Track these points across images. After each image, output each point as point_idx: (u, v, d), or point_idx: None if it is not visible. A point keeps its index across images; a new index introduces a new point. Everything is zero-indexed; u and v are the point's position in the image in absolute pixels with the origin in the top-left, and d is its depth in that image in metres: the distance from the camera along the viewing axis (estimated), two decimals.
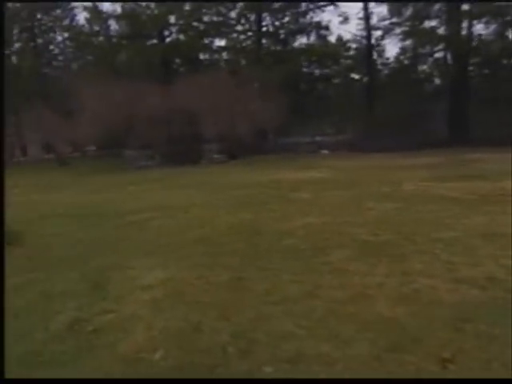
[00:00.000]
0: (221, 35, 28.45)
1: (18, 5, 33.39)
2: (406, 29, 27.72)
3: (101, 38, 32.98)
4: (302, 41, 29.27)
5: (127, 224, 7.45)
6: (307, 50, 27.85)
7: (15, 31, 34.65)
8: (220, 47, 29.36)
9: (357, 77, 32.88)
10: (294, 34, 28.36)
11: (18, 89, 30.59)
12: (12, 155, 34.16)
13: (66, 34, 36.72)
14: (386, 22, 28.68)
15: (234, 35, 28.90)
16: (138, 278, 4.52)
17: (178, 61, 30.71)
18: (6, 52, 35.30)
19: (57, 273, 4.87)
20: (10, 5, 34.09)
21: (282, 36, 28.73)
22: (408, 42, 29.09)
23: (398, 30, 28.56)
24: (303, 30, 28.21)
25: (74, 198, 11.65)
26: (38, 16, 34.83)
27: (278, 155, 21.44)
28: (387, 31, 29.03)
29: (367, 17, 29.08)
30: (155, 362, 2.84)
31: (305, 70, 29.43)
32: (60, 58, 38.10)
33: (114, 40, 31.88)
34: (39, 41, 35.78)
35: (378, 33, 29.93)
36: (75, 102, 21.85)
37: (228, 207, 8.45)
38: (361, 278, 4.17)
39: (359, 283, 4.05)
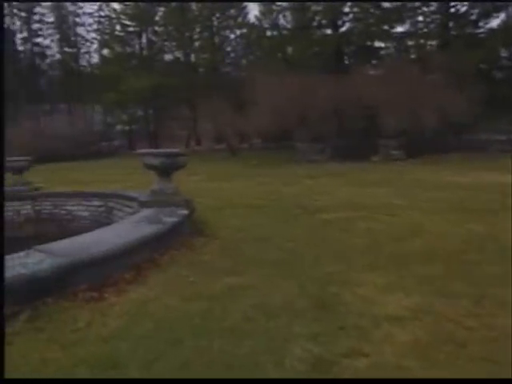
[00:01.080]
0: (402, 20, 25.96)
1: (199, 5, 35.95)
2: None
3: (272, 33, 33.39)
4: (499, 20, 24.79)
5: (323, 223, 6.50)
6: (506, 31, 23.48)
7: (197, 30, 37.36)
8: (400, 33, 26.88)
9: None
10: (489, 13, 24.26)
11: (194, 84, 32.97)
12: (187, 145, 37.05)
13: (237, 32, 38.44)
14: None
15: (418, 18, 26.07)
16: (374, 301, 3.44)
17: (351, 50, 29.20)
18: (186, 50, 38.57)
19: (265, 279, 4.06)
20: (193, 6, 37.02)
21: (473, 17, 24.91)
22: None
23: None
24: (502, 8, 23.90)
25: (251, 188, 11.29)
26: (217, 15, 36.96)
27: (463, 154, 18.48)
28: None
29: None
30: None
31: (503, 55, 25.07)
32: (232, 54, 40.05)
33: (285, 33, 31.87)
34: (216, 39, 38.05)
35: None
36: (247, 95, 22.21)
37: (441, 213, 6.90)
38: None
39: None
